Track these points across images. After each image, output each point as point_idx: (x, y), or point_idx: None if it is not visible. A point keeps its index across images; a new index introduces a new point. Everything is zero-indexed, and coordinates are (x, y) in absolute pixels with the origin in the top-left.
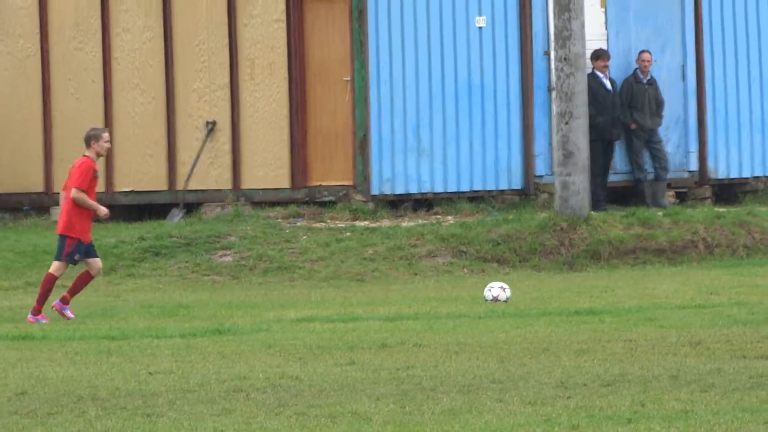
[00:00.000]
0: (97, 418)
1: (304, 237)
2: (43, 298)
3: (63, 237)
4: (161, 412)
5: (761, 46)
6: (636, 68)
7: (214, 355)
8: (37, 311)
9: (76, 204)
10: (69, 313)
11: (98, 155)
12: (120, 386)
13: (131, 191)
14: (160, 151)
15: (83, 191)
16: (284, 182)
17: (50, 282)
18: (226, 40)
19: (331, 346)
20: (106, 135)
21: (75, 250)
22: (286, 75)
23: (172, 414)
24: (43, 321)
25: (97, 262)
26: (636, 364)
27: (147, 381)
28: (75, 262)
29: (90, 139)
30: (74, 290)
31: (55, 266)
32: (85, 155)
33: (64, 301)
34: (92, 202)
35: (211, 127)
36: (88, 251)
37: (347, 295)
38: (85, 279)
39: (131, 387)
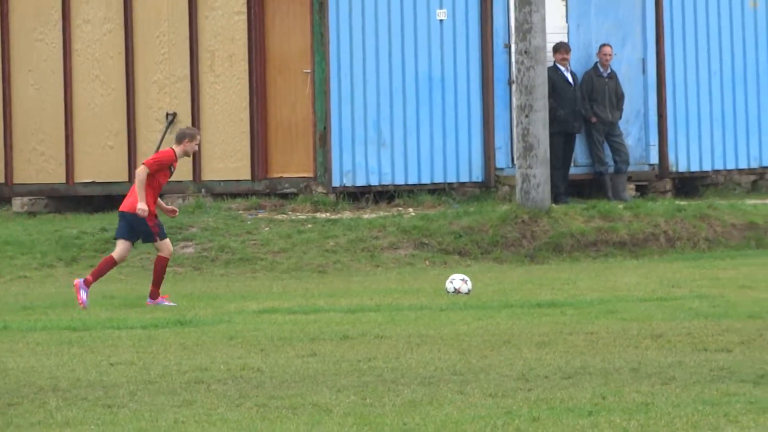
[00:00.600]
0: (58, 408)
1: (266, 228)
2: (157, 282)
3: (142, 218)
4: (122, 403)
5: (721, 39)
6: (596, 62)
7: (176, 346)
8: (155, 294)
9: (137, 179)
10: (83, 296)
11: (185, 153)
12: (81, 377)
13: (92, 182)
14: (121, 143)
15: (149, 174)
16: (245, 174)
17: (162, 264)
18: (187, 32)
19: (292, 338)
20: (199, 137)
21: (161, 228)
22: (247, 67)
23: (133, 405)
24: (166, 303)
25: (127, 249)
26: (597, 356)
27: (108, 372)
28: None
29: (185, 137)
30: (98, 273)
31: (165, 247)
32: (172, 148)
33: (87, 283)
34: (143, 193)
35: (171, 119)
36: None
37: (309, 287)
38: (109, 263)
39: (92, 378)
